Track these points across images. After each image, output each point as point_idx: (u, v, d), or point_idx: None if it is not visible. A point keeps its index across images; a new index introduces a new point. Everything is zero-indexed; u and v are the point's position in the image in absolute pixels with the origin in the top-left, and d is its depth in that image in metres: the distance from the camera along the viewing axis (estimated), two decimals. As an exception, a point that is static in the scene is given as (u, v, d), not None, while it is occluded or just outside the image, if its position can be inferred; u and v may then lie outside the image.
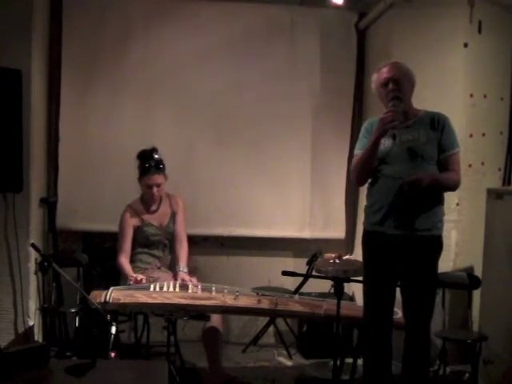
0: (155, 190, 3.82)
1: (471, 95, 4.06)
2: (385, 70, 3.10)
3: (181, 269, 3.83)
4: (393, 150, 3.04)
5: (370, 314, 3.16)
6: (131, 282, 3.59)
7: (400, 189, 2.98)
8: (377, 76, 3.13)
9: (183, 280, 3.70)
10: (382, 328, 3.14)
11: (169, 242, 3.97)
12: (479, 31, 4.04)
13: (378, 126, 3.03)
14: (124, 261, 3.82)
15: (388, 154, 3.05)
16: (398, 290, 3.17)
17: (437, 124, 3.07)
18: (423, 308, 3.07)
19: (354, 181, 3.27)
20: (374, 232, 3.12)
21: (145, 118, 4.55)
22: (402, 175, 2.98)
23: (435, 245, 3.08)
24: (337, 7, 4.51)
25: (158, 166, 3.82)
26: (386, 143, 3.05)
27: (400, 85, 3.05)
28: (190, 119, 4.60)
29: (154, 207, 3.93)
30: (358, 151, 3.19)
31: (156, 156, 3.83)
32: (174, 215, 3.96)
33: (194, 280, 3.74)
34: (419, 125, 3.08)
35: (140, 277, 3.60)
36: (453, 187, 3.12)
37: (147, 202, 3.91)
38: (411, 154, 3.02)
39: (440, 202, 3.10)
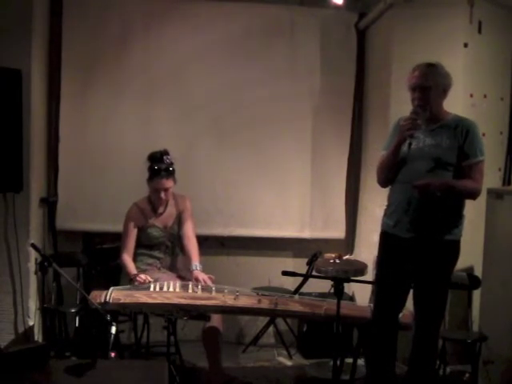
0: (163, 194, 3.80)
1: (471, 95, 4.06)
2: (416, 73, 3.04)
3: (193, 267, 3.80)
4: (411, 155, 3.02)
5: (378, 315, 3.16)
6: (137, 283, 3.58)
7: (413, 193, 2.98)
8: (409, 77, 3.08)
9: (197, 279, 3.69)
10: (388, 329, 3.15)
11: (172, 243, 3.96)
12: (479, 31, 4.04)
13: (398, 133, 3.04)
14: (127, 258, 3.81)
15: (406, 157, 3.05)
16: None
17: (461, 130, 3.03)
18: (433, 311, 3.07)
19: (378, 181, 3.26)
20: (388, 233, 3.14)
21: (145, 117, 4.55)
22: (416, 179, 2.97)
23: (448, 249, 3.08)
24: (337, 7, 4.51)
25: (168, 170, 3.78)
26: (405, 147, 3.04)
27: (427, 93, 3.00)
28: (190, 119, 4.60)
29: (160, 210, 3.91)
30: (383, 151, 3.21)
31: (166, 159, 3.79)
32: (179, 216, 3.95)
33: (208, 280, 3.69)
34: (444, 129, 3.06)
35: (148, 279, 3.59)
36: (470, 195, 3.07)
37: (154, 203, 3.90)
38: (430, 159, 3.01)
39: (457, 208, 3.08)
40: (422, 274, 3.06)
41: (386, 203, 3.24)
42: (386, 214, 3.18)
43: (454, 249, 3.10)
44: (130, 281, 3.65)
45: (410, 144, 3.00)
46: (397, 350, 3.21)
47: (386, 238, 3.17)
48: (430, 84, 3.01)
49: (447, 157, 3.01)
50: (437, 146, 3.03)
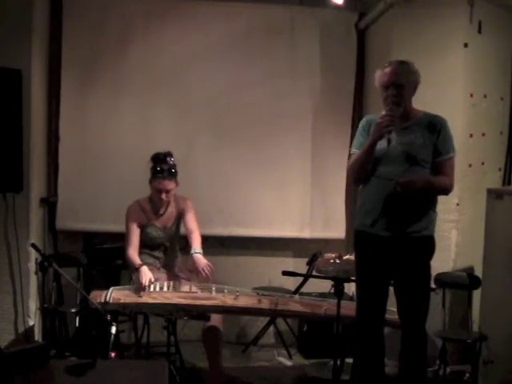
0: (164, 195, 3.77)
1: (471, 95, 4.06)
2: (388, 71, 3.04)
3: (192, 251, 3.74)
4: (387, 152, 3.02)
5: (363, 314, 3.15)
6: (141, 292, 3.53)
7: (392, 190, 2.96)
8: (380, 75, 3.08)
9: (195, 266, 3.63)
10: (375, 328, 3.14)
11: (170, 244, 3.95)
12: (479, 31, 4.04)
13: (374, 130, 3.02)
14: (132, 253, 3.78)
15: (382, 155, 3.04)
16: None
17: (434, 127, 3.04)
18: (417, 307, 3.06)
19: (351, 180, 3.25)
20: (364, 232, 3.11)
21: (145, 117, 4.55)
22: (394, 177, 2.96)
23: (426, 245, 3.08)
24: (337, 7, 4.51)
25: (170, 171, 3.76)
26: (381, 144, 3.03)
27: (401, 90, 3.00)
28: (190, 119, 4.60)
29: (161, 211, 3.89)
30: (354, 150, 3.18)
31: (170, 161, 3.77)
32: (178, 216, 3.94)
33: (207, 267, 3.62)
34: (417, 127, 3.06)
35: (147, 279, 3.56)
36: (444, 191, 3.09)
37: (155, 204, 3.88)
38: (406, 157, 3.00)
39: (432, 203, 3.09)
40: (403, 270, 3.05)
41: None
42: (360, 214, 3.14)
43: (430, 243, 3.09)
44: (135, 270, 3.64)
45: (389, 140, 2.99)
46: (385, 348, 3.20)
47: (362, 237, 3.14)
48: (404, 80, 3.01)
49: (422, 154, 3.01)
50: (411, 144, 3.02)
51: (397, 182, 2.93)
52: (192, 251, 3.76)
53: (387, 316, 3.28)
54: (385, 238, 3.03)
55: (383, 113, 3.03)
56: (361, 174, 3.12)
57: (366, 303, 3.14)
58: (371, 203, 3.07)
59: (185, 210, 3.92)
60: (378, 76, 3.10)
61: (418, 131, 3.05)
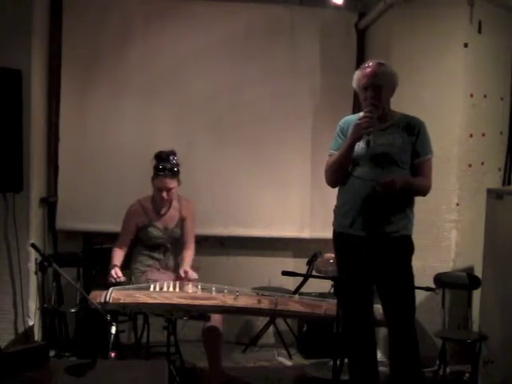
0: (165, 194, 3.77)
1: (471, 95, 4.06)
2: (367, 72, 3.04)
3: (183, 266, 3.80)
4: (366, 153, 3.01)
5: (348, 315, 3.13)
6: (111, 279, 3.59)
7: (371, 191, 2.97)
8: (360, 75, 3.08)
9: (185, 272, 3.69)
10: (362, 327, 3.14)
11: (171, 245, 3.94)
12: (479, 31, 4.04)
13: (353, 131, 3.01)
14: (116, 250, 3.81)
15: (361, 156, 3.04)
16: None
17: (412, 129, 3.05)
18: (401, 307, 3.05)
19: (328, 182, 3.21)
20: (343, 233, 3.11)
21: (145, 117, 4.55)
22: (373, 178, 2.97)
23: (405, 244, 3.08)
24: (337, 7, 4.51)
25: (173, 170, 3.75)
26: (360, 145, 3.02)
27: (379, 92, 3.01)
28: (190, 119, 4.60)
29: (163, 210, 3.88)
30: (332, 151, 3.17)
31: (172, 160, 3.76)
32: (181, 220, 3.92)
33: (192, 274, 3.70)
34: (395, 128, 3.06)
35: (119, 275, 3.61)
36: (423, 192, 3.10)
37: (157, 203, 3.87)
38: (385, 158, 3.01)
39: (409, 204, 3.09)
40: (384, 271, 3.05)
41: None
42: (339, 214, 3.14)
43: (409, 242, 3.09)
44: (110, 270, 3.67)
45: (368, 142, 2.98)
46: (376, 347, 3.20)
47: (341, 238, 3.14)
48: (382, 82, 3.02)
49: (401, 155, 3.02)
50: (390, 145, 3.03)
51: (377, 183, 2.93)
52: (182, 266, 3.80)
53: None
54: (363, 239, 3.03)
55: (361, 114, 3.04)
56: (339, 174, 3.12)
57: (350, 304, 3.12)
58: (350, 204, 3.07)
59: (186, 218, 3.92)
60: (357, 77, 3.09)
61: (396, 132, 3.06)
